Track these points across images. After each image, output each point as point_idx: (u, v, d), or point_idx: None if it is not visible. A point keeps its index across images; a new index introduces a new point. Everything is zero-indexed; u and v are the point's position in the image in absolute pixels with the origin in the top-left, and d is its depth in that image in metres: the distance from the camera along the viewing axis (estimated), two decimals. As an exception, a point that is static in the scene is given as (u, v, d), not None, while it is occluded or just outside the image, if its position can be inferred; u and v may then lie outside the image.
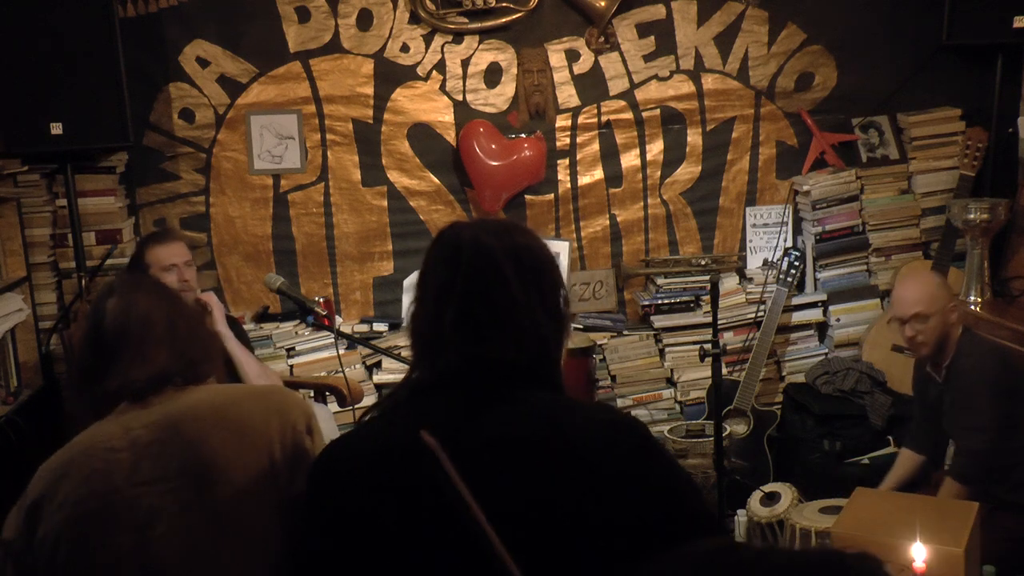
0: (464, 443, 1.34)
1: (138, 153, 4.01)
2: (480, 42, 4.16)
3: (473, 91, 4.20)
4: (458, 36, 4.15)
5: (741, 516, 3.48)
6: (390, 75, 4.16)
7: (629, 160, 4.32)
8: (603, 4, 4.13)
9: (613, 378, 4.25)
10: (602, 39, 4.18)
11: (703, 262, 4.31)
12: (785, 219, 4.36)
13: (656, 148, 4.32)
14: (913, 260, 4.26)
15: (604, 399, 4.17)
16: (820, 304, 4.31)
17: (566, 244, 4.29)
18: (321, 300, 3.12)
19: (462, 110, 4.21)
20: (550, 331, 1.44)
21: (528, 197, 4.30)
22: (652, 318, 4.27)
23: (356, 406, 3.40)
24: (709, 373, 3.48)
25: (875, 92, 4.28)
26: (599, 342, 4.18)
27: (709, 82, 4.28)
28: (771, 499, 3.39)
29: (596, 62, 4.22)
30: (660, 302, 4.26)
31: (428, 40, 4.15)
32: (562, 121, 4.25)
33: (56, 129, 3.53)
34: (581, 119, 4.26)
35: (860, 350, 4.19)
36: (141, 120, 4.00)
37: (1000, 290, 4.00)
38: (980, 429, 2.96)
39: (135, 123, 3.75)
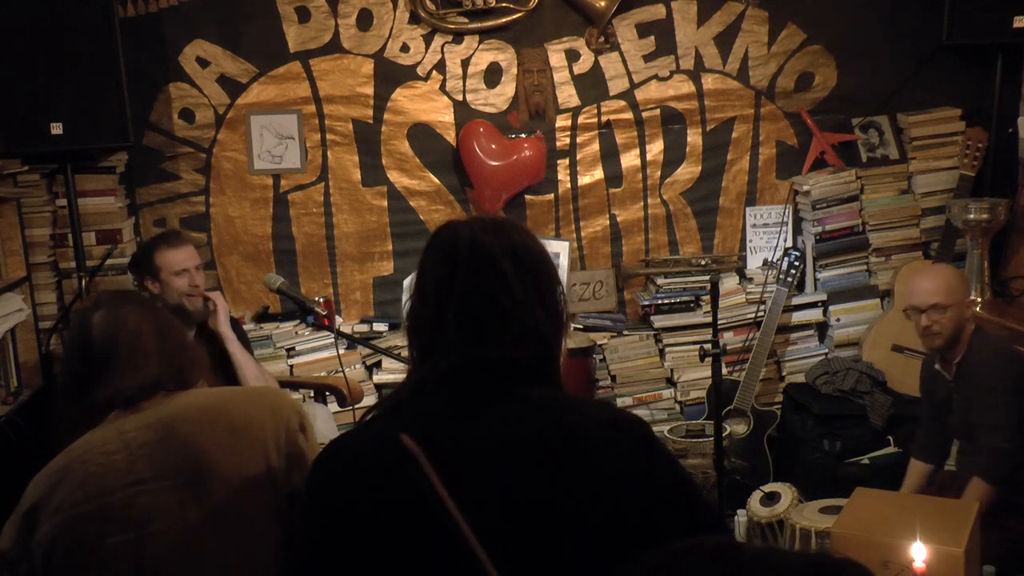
0: (464, 443, 1.34)
1: (138, 153, 4.01)
2: (480, 42, 4.16)
3: (473, 91, 4.20)
4: (458, 36, 4.15)
5: (741, 516, 3.48)
6: (390, 75, 4.16)
7: (629, 160, 4.32)
8: (603, 4, 4.13)
9: (613, 378, 4.25)
10: (602, 39, 4.18)
11: (703, 262, 4.31)
12: (785, 219, 4.36)
13: (656, 148, 4.32)
14: (913, 260, 4.26)
15: (604, 399, 4.17)
16: (820, 304, 4.31)
17: (566, 244, 4.29)
18: (321, 300, 3.13)
19: (462, 110, 4.21)
20: (550, 329, 1.44)
21: (528, 197, 4.30)
22: (652, 318, 4.27)
23: (356, 406, 3.40)
24: (709, 373, 3.48)
25: (875, 92, 4.28)
26: (599, 342, 4.18)
27: (709, 82, 4.28)
28: (771, 499, 3.39)
29: (596, 62, 4.22)
30: (660, 302, 4.26)
31: (428, 40, 4.15)
32: (562, 121, 4.25)
33: (56, 129, 3.53)
34: (581, 119, 4.26)
35: (860, 350, 4.19)
36: (141, 120, 4.00)
37: (1000, 290, 4.00)
38: (1002, 427, 2.95)
39: (135, 123, 3.75)
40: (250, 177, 4.18)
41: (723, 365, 3.66)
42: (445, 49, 4.16)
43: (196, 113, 4.10)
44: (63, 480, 1.61)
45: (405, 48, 4.14)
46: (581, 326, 4.21)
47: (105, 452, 1.62)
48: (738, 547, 0.89)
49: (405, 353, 3.71)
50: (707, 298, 4.15)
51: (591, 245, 4.37)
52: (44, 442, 1.84)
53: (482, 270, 1.41)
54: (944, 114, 4.26)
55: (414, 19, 4.12)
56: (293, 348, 4.11)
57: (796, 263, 4.11)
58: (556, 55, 4.19)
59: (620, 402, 4.23)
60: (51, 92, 3.52)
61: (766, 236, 4.39)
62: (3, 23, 3.47)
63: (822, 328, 4.36)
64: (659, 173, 4.34)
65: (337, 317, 4.20)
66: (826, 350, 4.30)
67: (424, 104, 4.19)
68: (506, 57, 4.18)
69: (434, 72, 4.18)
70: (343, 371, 3.45)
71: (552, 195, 4.31)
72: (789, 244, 4.33)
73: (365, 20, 4.11)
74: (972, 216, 3.90)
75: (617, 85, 4.24)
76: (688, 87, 4.27)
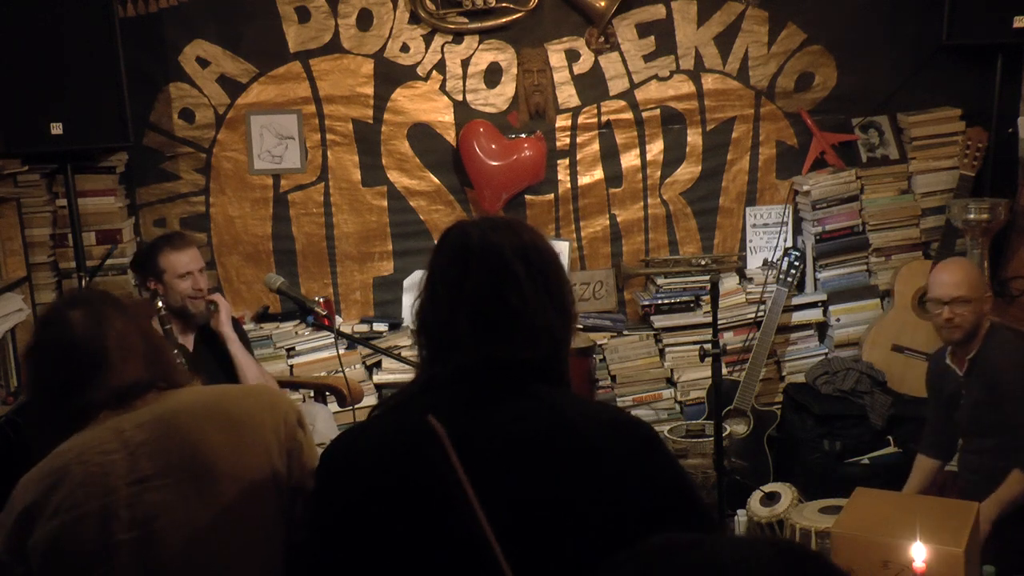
0: (474, 438, 1.34)
1: (138, 153, 4.01)
2: (480, 42, 4.16)
3: (473, 91, 4.20)
4: (458, 36, 4.15)
5: (741, 516, 3.49)
6: (390, 75, 4.16)
7: (629, 160, 4.32)
8: (603, 4, 4.13)
9: (613, 378, 4.25)
10: (602, 39, 4.18)
11: (703, 262, 4.31)
12: (785, 219, 4.36)
13: (656, 148, 4.32)
14: (913, 260, 4.26)
15: (604, 399, 4.17)
16: (820, 304, 4.31)
17: (566, 244, 4.29)
18: (321, 300, 3.12)
19: (462, 110, 4.21)
20: (560, 329, 1.45)
21: (528, 197, 4.30)
22: (652, 318, 4.27)
23: (356, 406, 3.40)
24: (709, 373, 3.48)
25: (875, 92, 4.28)
26: (599, 342, 4.19)
27: (709, 82, 4.28)
28: (771, 499, 3.39)
29: (596, 62, 4.22)
30: (660, 302, 4.26)
31: (428, 40, 4.15)
32: (562, 121, 4.25)
33: (56, 129, 3.53)
34: (581, 119, 4.26)
35: (860, 350, 4.19)
36: (141, 120, 4.00)
37: (1000, 290, 4.00)
38: None
39: (135, 123, 3.75)
40: (250, 177, 4.18)
41: (723, 365, 3.66)
42: (445, 49, 4.16)
43: (196, 113, 4.10)
44: (61, 481, 1.59)
45: (405, 48, 4.14)
46: (581, 326, 4.21)
47: (103, 452, 1.61)
48: (711, 540, 0.88)
49: (405, 353, 3.72)
50: (707, 298, 4.15)
51: (591, 245, 4.37)
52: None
53: (494, 271, 1.41)
54: (944, 114, 4.25)
55: (414, 19, 4.12)
56: (293, 348, 4.11)
57: (796, 263, 4.11)
58: (556, 55, 4.19)
59: (620, 402, 4.23)
60: (51, 92, 3.52)
61: (766, 236, 4.39)
62: (3, 23, 3.47)
63: (822, 328, 4.36)
64: (659, 173, 4.34)
65: (337, 317, 4.20)
66: (826, 350, 4.30)
67: (424, 104, 4.19)
68: (506, 57, 4.18)
69: (434, 72, 4.17)
70: (343, 371, 3.45)
71: (552, 195, 4.31)
72: (789, 244, 4.33)
73: (365, 20, 4.11)
74: (972, 216, 3.90)
75: (617, 85, 4.24)
76: (688, 87, 4.27)
